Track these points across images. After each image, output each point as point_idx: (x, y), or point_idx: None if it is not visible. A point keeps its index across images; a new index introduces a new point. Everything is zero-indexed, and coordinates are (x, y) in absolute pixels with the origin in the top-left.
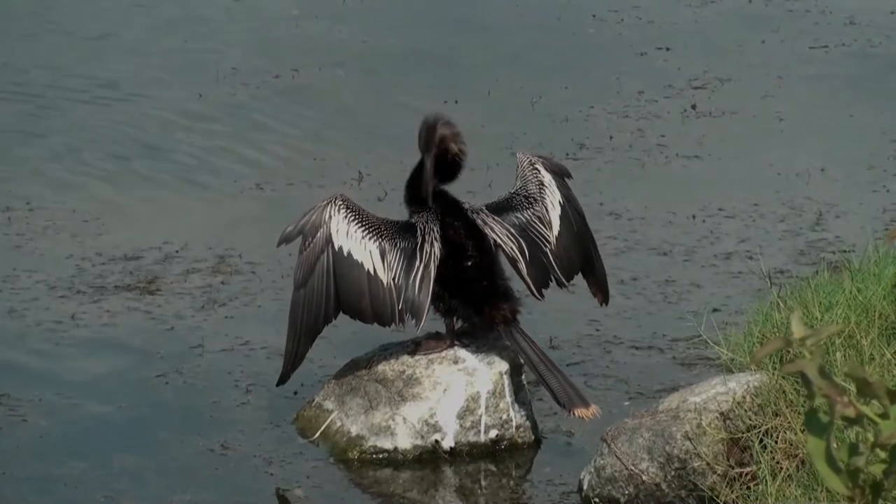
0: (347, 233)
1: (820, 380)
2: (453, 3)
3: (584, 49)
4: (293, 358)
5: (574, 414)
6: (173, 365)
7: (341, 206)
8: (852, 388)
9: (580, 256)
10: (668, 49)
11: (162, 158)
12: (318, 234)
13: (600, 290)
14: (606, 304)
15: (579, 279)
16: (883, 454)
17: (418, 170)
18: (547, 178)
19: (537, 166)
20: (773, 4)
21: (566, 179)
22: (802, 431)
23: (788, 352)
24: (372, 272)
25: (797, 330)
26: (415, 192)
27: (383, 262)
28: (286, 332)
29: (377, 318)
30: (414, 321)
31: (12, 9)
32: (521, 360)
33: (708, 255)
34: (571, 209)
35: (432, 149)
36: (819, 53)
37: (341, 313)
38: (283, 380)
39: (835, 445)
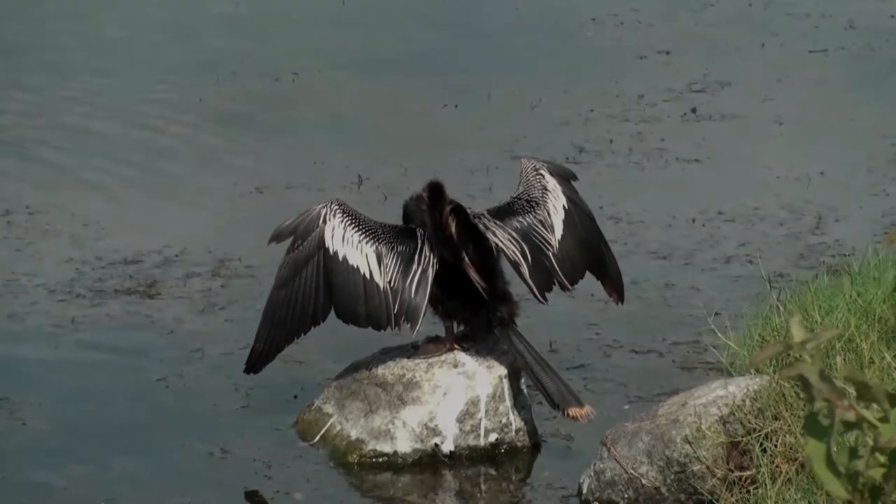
0: (343, 237)
1: (820, 383)
2: (453, 6)
3: (584, 52)
4: (263, 352)
5: (568, 414)
6: (173, 369)
7: (337, 211)
8: (852, 391)
9: (586, 259)
10: (667, 52)
11: (161, 162)
12: (310, 237)
13: (615, 290)
14: (622, 303)
15: (584, 282)
16: (882, 458)
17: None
18: (551, 182)
19: (542, 171)
20: (773, 8)
21: (572, 182)
22: (802, 435)
23: (788, 355)
24: (368, 276)
25: (797, 334)
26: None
27: (380, 265)
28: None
29: (372, 322)
30: (409, 325)
31: (11, 10)
32: (517, 362)
33: (708, 259)
34: (578, 212)
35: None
36: (819, 57)
37: (337, 319)
38: (251, 370)
39: (834, 448)
